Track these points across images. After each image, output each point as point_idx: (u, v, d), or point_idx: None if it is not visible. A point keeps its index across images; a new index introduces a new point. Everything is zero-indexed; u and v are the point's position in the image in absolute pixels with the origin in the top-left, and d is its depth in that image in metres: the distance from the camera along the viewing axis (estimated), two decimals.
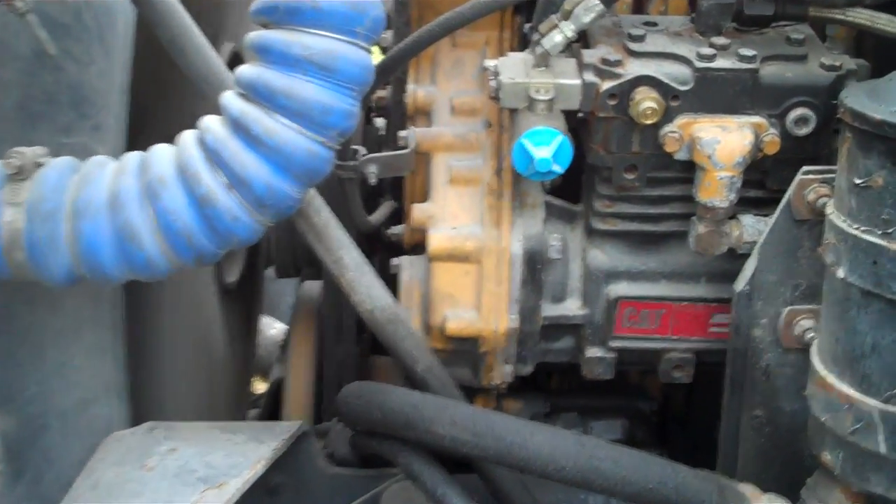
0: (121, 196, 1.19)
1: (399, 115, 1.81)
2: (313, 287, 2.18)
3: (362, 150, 1.57)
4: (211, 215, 1.18)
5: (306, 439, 1.51)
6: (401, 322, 1.46)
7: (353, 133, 1.46)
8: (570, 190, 1.66)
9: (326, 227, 1.38)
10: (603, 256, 1.60)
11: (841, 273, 1.20)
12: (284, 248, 2.06)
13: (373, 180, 1.56)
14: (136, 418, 1.48)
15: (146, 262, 1.21)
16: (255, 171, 1.17)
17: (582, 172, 1.63)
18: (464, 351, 1.61)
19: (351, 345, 2.08)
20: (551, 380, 1.98)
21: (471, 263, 1.56)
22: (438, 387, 1.45)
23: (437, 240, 1.56)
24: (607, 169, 1.52)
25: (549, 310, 1.61)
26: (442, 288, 1.57)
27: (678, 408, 2.03)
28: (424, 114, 1.66)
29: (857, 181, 1.17)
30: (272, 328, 3.15)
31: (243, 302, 2.25)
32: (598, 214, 1.58)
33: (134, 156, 1.23)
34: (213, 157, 1.18)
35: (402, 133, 1.61)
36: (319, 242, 1.38)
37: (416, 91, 1.67)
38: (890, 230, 1.14)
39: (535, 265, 1.56)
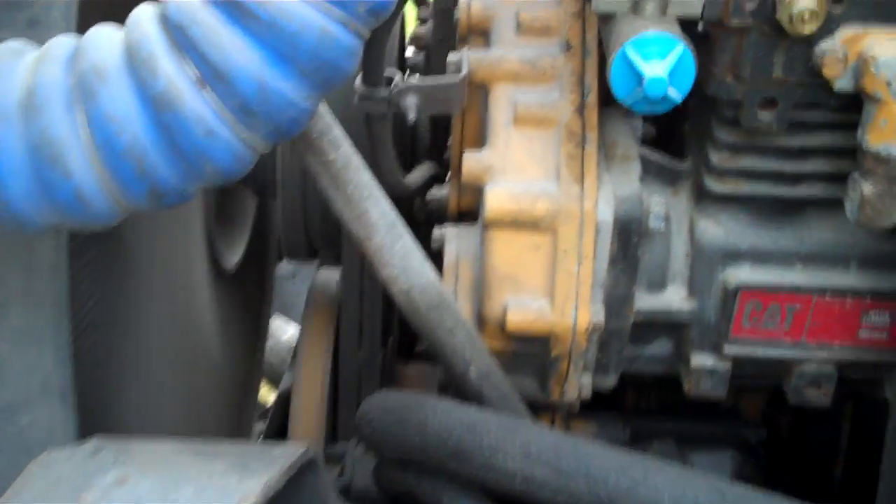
0: (38, 94, 0.79)
1: (443, 56, 1.41)
2: (331, 277, 1.78)
3: (398, 77, 1.16)
4: (172, 125, 0.78)
5: (313, 469, 1.11)
6: (448, 309, 1.06)
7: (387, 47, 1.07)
8: (666, 145, 1.27)
9: (347, 167, 0.98)
10: (718, 230, 1.20)
11: None
12: (293, 218, 1.65)
13: (411, 116, 1.16)
14: (90, 429, 1.10)
15: (75, 197, 0.81)
16: (240, 58, 0.77)
17: (685, 120, 1.24)
18: (529, 354, 1.20)
19: (375, 348, 1.69)
20: (626, 396, 1.58)
21: (542, 233, 1.15)
22: (499, 400, 1.05)
23: (496, 199, 1.15)
24: (733, 105, 1.12)
25: (644, 301, 1.21)
26: (502, 266, 1.17)
27: (784, 438, 1.62)
28: (481, 33, 1.26)
29: None
30: (286, 332, 2.79)
31: (246, 294, 1.85)
32: (714, 172, 1.18)
33: (65, 40, 0.84)
34: (178, 36, 0.78)
35: (451, 57, 1.21)
36: (336, 189, 0.98)
37: (471, 4, 1.27)
38: None
39: (629, 237, 1.16)
